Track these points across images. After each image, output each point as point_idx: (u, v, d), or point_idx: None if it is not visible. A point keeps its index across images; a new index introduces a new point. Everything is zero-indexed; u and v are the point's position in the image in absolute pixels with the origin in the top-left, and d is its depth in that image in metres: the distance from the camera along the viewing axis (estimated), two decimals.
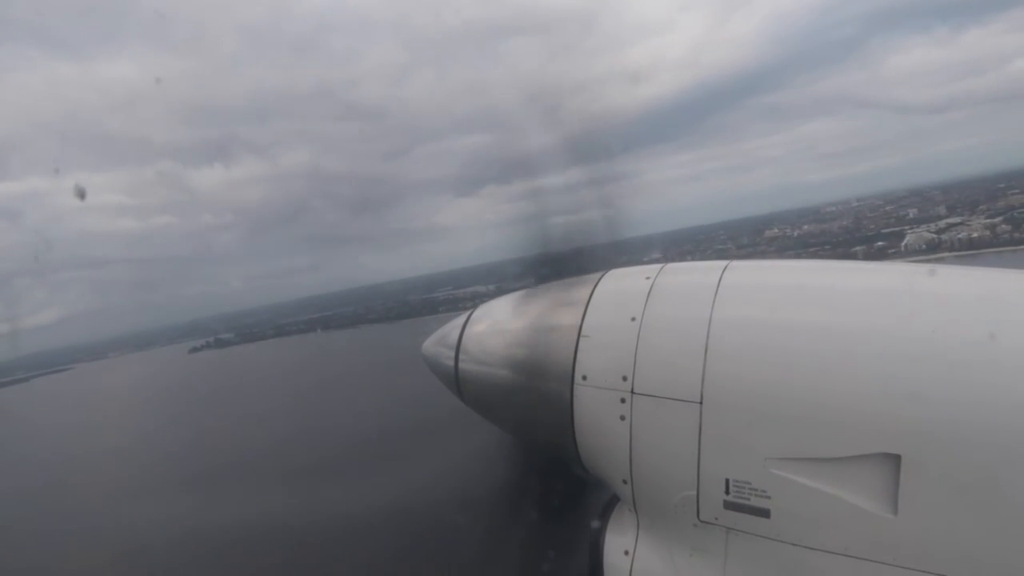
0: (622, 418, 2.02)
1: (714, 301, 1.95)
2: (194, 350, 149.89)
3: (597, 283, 2.32)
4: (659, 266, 2.29)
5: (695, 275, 2.21)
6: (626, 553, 2.19)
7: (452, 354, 2.59)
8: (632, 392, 2.00)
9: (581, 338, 2.17)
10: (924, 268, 2.00)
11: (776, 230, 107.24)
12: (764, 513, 1.81)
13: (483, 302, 2.75)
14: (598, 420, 2.10)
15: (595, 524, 2.35)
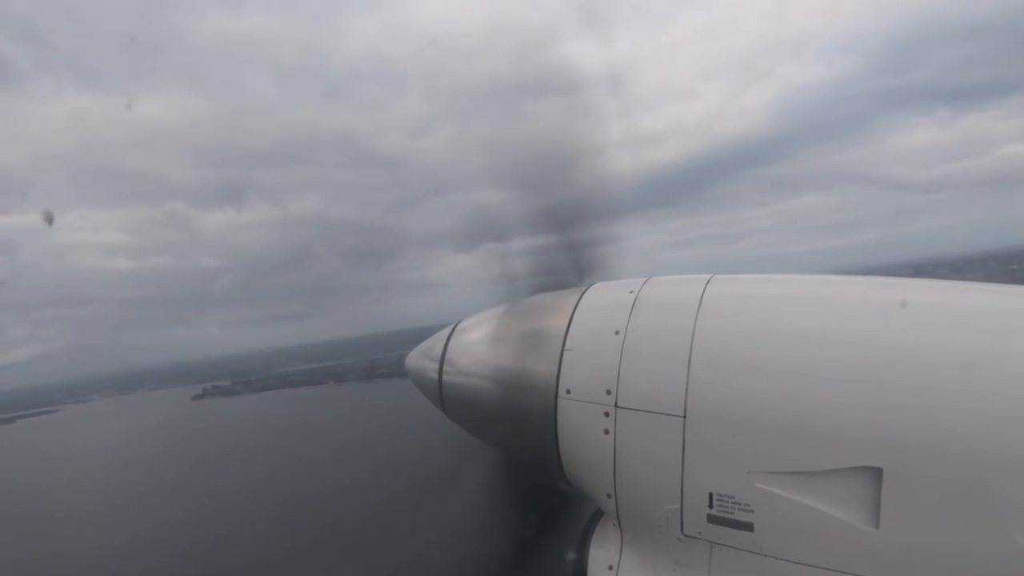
0: (606, 432, 2.03)
1: (697, 314, 1.97)
2: (197, 397, 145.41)
3: (581, 296, 2.33)
4: (643, 279, 2.30)
5: (679, 288, 2.22)
6: (610, 568, 2.19)
7: (436, 367, 2.58)
8: (616, 406, 2.01)
9: (565, 351, 2.18)
10: (906, 281, 2.08)
11: None
12: (748, 527, 1.82)
13: (467, 315, 2.72)
14: (582, 434, 2.11)
15: (579, 539, 2.35)
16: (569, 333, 2.20)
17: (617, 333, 2.07)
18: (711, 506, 1.86)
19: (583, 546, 2.31)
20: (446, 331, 2.66)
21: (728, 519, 1.84)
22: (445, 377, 2.56)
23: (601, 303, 2.27)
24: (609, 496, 2.10)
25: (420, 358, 2.72)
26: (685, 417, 1.86)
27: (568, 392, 2.13)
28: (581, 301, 2.30)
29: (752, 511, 1.80)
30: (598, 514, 2.33)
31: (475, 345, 2.55)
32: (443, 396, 2.59)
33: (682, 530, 1.96)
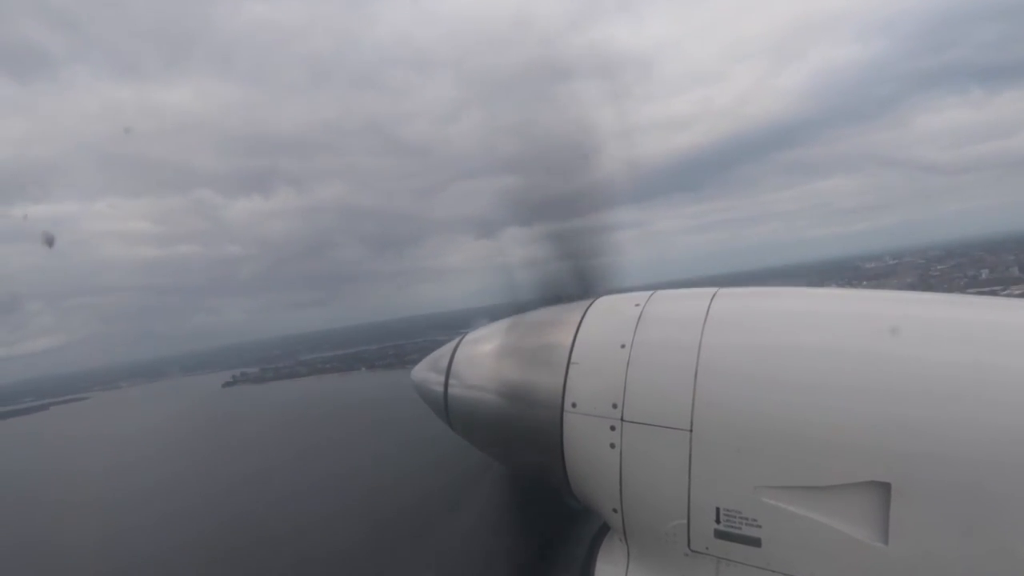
0: (612, 446, 2.01)
1: (703, 328, 1.95)
2: (227, 384, 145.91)
3: (587, 310, 2.31)
4: (648, 293, 2.28)
5: (684, 302, 2.20)
6: None
7: (442, 380, 2.57)
8: (622, 420, 1.99)
9: (571, 365, 2.17)
10: (913, 296, 2.07)
11: (835, 286, 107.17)
12: (755, 542, 1.81)
13: (473, 328, 2.72)
14: (588, 448, 2.09)
15: (585, 553, 2.31)
16: (575, 346, 2.20)
17: (623, 347, 2.07)
18: (718, 521, 1.86)
19: (589, 561, 2.28)
20: (451, 344, 2.67)
21: (735, 534, 1.84)
22: (450, 390, 2.56)
23: (607, 316, 2.27)
24: (615, 511, 2.09)
25: (425, 371, 2.73)
26: (691, 431, 1.86)
27: (574, 406, 2.13)
28: (587, 314, 2.30)
29: (760, 526, 1.80)
30: (604, 529, 2.29)
31: (480, 358, 2.55)
32: (448, 409, 2.58)
33: (689, 545, 1.95)
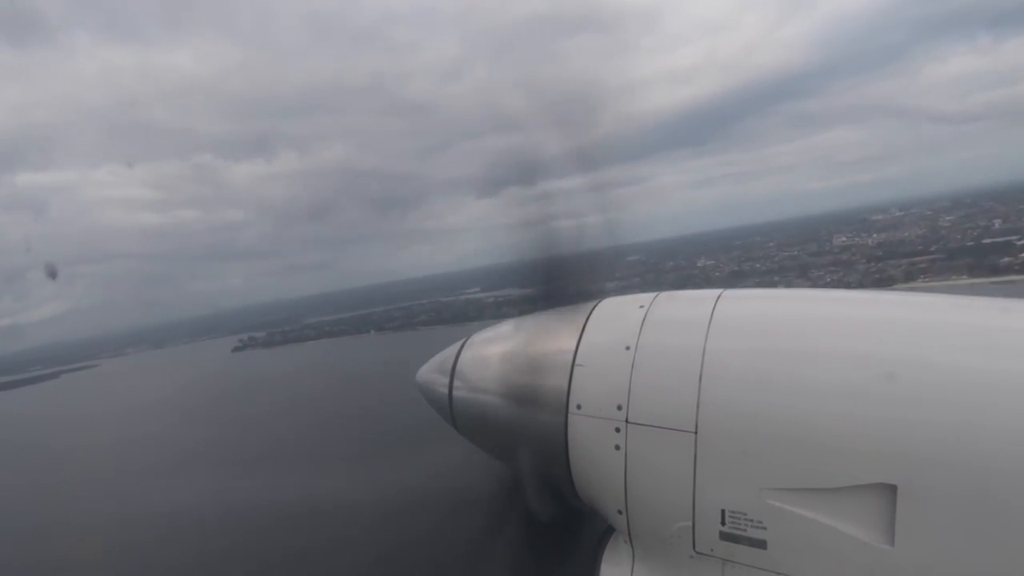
0: (617, 448, 2.01)
1: (708, 330, 1.95)
2: (237, 349, 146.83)
3: (591, 312, 2.31)
4: (653, 295, 2.28)
5: (689, 304, 2.20)
6: None
7: (447, 381, 2.57)
8: (627, 421, 1.99)
9: (576, 367, 2.16)
10: (919, 297, 2.03)
11: (845, 238, 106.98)
12: (761, 544, 1.80)
13: (477, 330, 2.71)
14: (593, 449, 2.08)
15: (590, 555, 2.32)
16: (580, 348, 2.20)
17: (628, 348, 2.06)
18: (723, 523, 1.86)
19: (594, 563, 2.29)
20: (455, 346, 2.65)
21: (741, 536, 1.84)
22: (455, 392, 2.56)
23: (612, 318, 2.26)
24: (620, 512, 2.10)
25: (430, 373, 2.71)
26: (696, 433, 1.86)
27: (579, 407, 2.12)
28: (591, 316, 2.30)
29: (765, 528, 1.79)
30: (609, 531, 2.30)
31: (485, 360, 2.54)
32: (453, 412, 2.58)
33: (694, 547, 1.95)
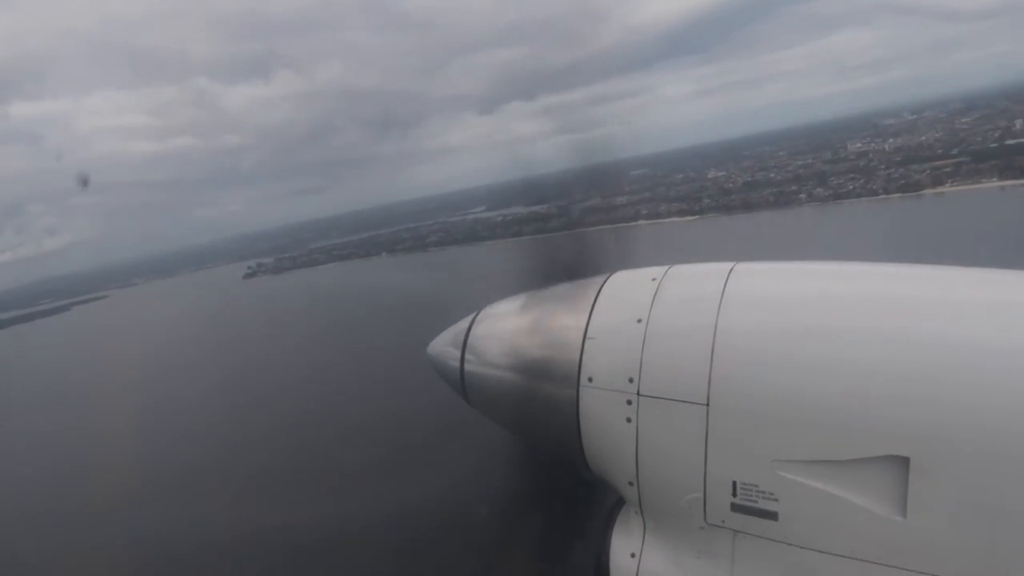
0: (628, 420, 2.03)
1: (720, 303, 1.96)
2: (248, 276, 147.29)
3: (603, 285, 2.32)
4: (665, 268, 2.29)
5: (701, 277, 2.21)
6: (632, 555, 2.20)
7: (458, 355, 2.59)
8: (638, 394, 2.01)
9: (587, 340, 2.17)
10: (933, 270, 2.02)
11: (860, 144, 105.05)
12: (772, 516, 1.81)
13: (488, 304, 2.74)
14: (604, 422, 2.10)
15: (601, 527, 2.35)
16: (591, 322, 2.20)
17: (639, 321, 2.07)
18: (735, 494, 1.86)
19: (605, 534, 2.30)
20: (467, 320, 2.66)
21: (752, 508, 1.84)
22: (467, 366, 2.56)
23: (623, 291, 2.26)
24: (631, 484, 2.11)
25: (442, 346, 2.72)
26: (708, 405, 1.86)
27: (590, 380, 2.13)
28: (603, 289, 2.29)
29: (776, 500, 1.80)
30: (620, 502, 2.30)
31: (497, 333, 2.55)
32: (465, 385, 2.59)
33: (705, 519, 1.96)
